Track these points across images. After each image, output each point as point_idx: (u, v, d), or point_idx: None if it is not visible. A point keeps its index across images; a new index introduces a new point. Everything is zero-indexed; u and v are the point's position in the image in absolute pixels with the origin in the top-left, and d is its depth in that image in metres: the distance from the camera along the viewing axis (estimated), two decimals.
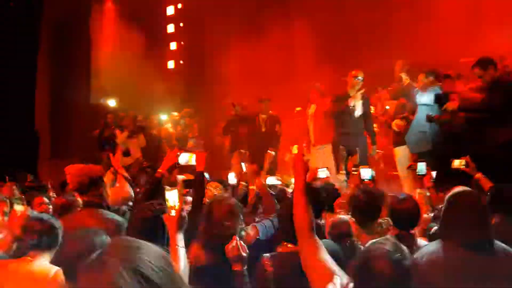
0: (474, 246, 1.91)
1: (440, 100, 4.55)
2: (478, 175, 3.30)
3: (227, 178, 4.36)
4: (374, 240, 1.70)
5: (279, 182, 4.28)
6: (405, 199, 2.78)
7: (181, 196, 2.24)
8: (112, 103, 7.96)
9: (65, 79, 8.34)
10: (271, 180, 4.20)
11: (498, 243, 1.99)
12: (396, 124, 5.79)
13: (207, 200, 3.31)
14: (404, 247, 1.59)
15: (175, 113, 9.22)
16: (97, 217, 2.43)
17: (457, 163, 3.46)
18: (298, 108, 7.79)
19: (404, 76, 5.23)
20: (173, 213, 2.11)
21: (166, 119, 9.48)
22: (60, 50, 8.42)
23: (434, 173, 3.72)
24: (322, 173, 4.00)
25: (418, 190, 3.63)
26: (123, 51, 9.49)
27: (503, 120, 4.19)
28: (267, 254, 2.29)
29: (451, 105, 4.47)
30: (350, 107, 5.70)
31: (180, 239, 2.07)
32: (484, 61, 4.30)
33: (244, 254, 2.21)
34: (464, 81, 4.87)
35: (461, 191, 2.17)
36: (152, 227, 2.21)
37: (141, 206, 2.48)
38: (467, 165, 3.41)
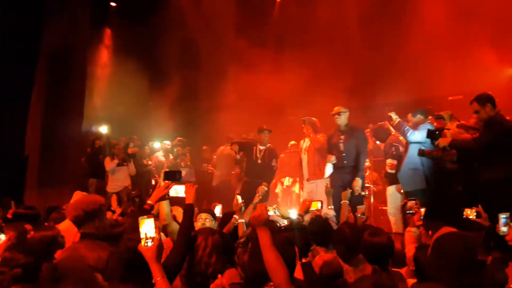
0: None
1: (432, 135, 4.56)
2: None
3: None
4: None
5: (277, 213, 4.26)
6: (378, 233, 2.75)
7: (157, 224, 2.20)
8: (103, 129, 7.94)
9: (58, 107, 8.37)
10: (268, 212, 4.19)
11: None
12: (388, 164, 5.90)
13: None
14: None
15: (167, 142, 9.24)
16: (91, 247, 2.41)
17: (468, 212, 3.34)
18: (292, 142, 7.87)
19: (394, 116, 5.30)
20: (149, 243, 2.09)
21: (158, 148, 9.48)
22: (55, 78, 8.45)
23: (423, 211, 3.74)
24: (316, 206, 3.99)
25: (408, 229, 3.67)
26: (119, 81, 9.61)
27: (491, 160, 4.25)
28: None
29: (443, 141, 4.49)
30: (340, 143, 5.69)
31: (160, 269, 2.06)
32: (483, 98, 4.32)
33: None
34: (456, 122, 4.96)
35: (449, 233, 2.15)
36: (135, 258, 2.17)
37: (127, 236, 2.45)
38: (479, 215, 3.31)
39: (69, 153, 8.32)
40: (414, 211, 3.67)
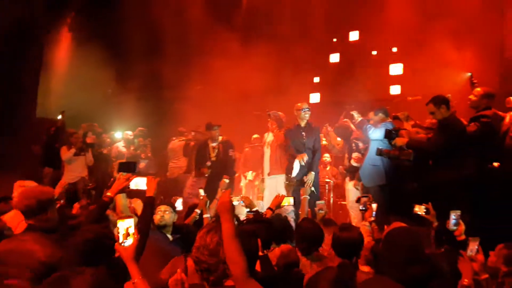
0: (410, 283, 1.96)
1: (389, 135, 4.72)
2: (436, 224, 3.32)
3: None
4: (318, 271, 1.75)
5: (242, 204, 4.27)
6: (348, 228, 2.88)
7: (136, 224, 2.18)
8: (60, 117, 7.59)
9: (10, 91, 7.94)
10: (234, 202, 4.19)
11: (434, 282, 2.06)
12: (354, 157, 6.05)
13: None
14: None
15: (129, 132, 8.99)
16: (42, 242, 2.28)
17: (417, 208, 3.45)
18: (255, 136, 7.87)
19: (356, 114, 5.47)
20: (127, 242, 2.06)
21: (119, 138, 9.20)
22: (7, 60, 7.99)
23: (375, 207, 3.87)
24: (288, 201, 4.01)
25: (362, 222, 3.82)
26: (77, 68, 9.24)
27: (444, 159, 4.43)
28: None
29: (400, 141, 4.66)
30: (304, 140, 5.82)
31: (137, 270, 2.04)
32: (438, 99, 4.49)
33: None
34: (412, 123, 5.13)
35: (398, 229, 2.22)
36: (94, 250, 2.19)
37: (85, 228, 2.40)
38: (428, 212, 3.41)
39: (20, 140, 7.92)
40: (366, 207, 3.81)
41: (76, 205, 4.59)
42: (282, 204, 3.95)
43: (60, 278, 0.98)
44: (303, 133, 5.82)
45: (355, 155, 6.06)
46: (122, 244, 2.07)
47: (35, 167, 7.92)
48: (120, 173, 3.05)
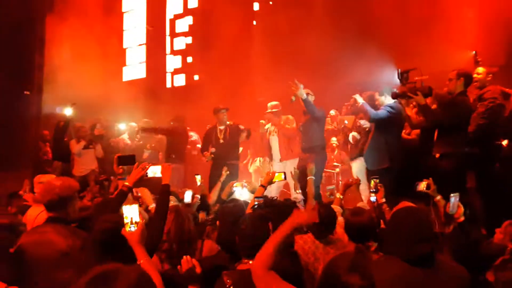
0: (416, 261, 1.99)
1: (401, 76, 4.57)
2: (438, 197, 3.36)
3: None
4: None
5: (247, 187, 4.34)
6: (359, 213, 2.90)
7: (141, 210, 2.27)
8: (68, 111, 7.67)
9: (14, 88, 7.99)
10: (238, 189, 4.28)
11: (440, 257, 2.10)
12: (353, 136, 6.06)
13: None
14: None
15: (134, 124, 9.05)
16: (63, 233, 2.37)
17: (420, 186, 3.48)
18: (262, 121, 7.92)
19: (358, 98, 5.35)
20: (133, 228, 2.16)
21: (124, 129, 9.27)
22: (8, 58, 8.00)
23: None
24: (279, 177, 3.99)
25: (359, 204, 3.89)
26: (80, 61, 9.24)
27: (448, 137, 4.46)
28: (227, 272, 2.30)
29: (418, 99, 4.44)
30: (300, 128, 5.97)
31: (144, 252, 2.15)
32: (464, 72, 4.48)
33: (198, 272, 2.25)
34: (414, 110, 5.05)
35: (405, 208, 2.22)
36: (112, 239, 2.24)
37: (103, 218, 2.47)
38: (428, 187, 3.45)
39: (27, 135, 7.99)
40: (377, 189, 3.85)
41: (87, 195, 4.69)
42: (274, 180, 3.94)
43: (104, 275, 1.05)
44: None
45: (354, 134, 6.04)
46: (129, 230, 2.17)
47: (41, 162, 8.03)
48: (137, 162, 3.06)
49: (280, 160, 6.46)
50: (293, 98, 5.59)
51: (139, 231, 2.19)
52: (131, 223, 2.19)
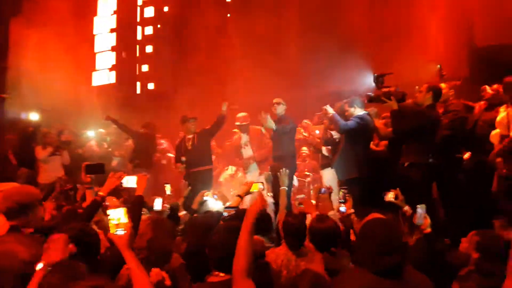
0: (385, 272, 2.00)
1: (377, 80, 4.64)
2: (406, 208, 3.40)
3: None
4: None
5: (216, 197, 4.33)
6: (323, 219, 2.92)
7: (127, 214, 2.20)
8: (34, 116, 7.39)
9: None
10: (209, 199, 4.25)
11: (407, 268, 2.10)
12: (327, 149, 6.14)
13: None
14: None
15: (102, 130, 8.84)
16: (25, 242, 2.27)
17: (388, 196, 3.54)
18: (235, 130, 7.91)
19: (329, 109, 5.40)
20: (120, 231, 2.09)
21: (92, 136, 9.03)
22: None
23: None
24: (256, 187, 3.96)
25: (330, 212, 3.88)
26: (48, 65, 8.98)
27: (413, 146, 4.58)
28: (197, 284, 2.30)
29: (392, 104, 4.54)
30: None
31: (133, 256, 2.08)
32: (434, 86, 4.60)
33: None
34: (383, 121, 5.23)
35: (374, 219, 2.22)
36: (78, 247, 2.21)
37: (68, 226, 2.39)
38: (396, 197, 3.51)
39: None
40: (345, 199, 3.89)
41: (49, 205, 4.49)
42: (251, 190, 3.92)
43: None
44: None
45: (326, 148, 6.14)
46: (115, 233, 2.08)
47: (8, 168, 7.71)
48: (112, 173, 2.97)
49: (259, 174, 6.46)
50: (263, 129, 5.60)
51: (127, 235, 2.09)
52: (118, 226, 2.10)
